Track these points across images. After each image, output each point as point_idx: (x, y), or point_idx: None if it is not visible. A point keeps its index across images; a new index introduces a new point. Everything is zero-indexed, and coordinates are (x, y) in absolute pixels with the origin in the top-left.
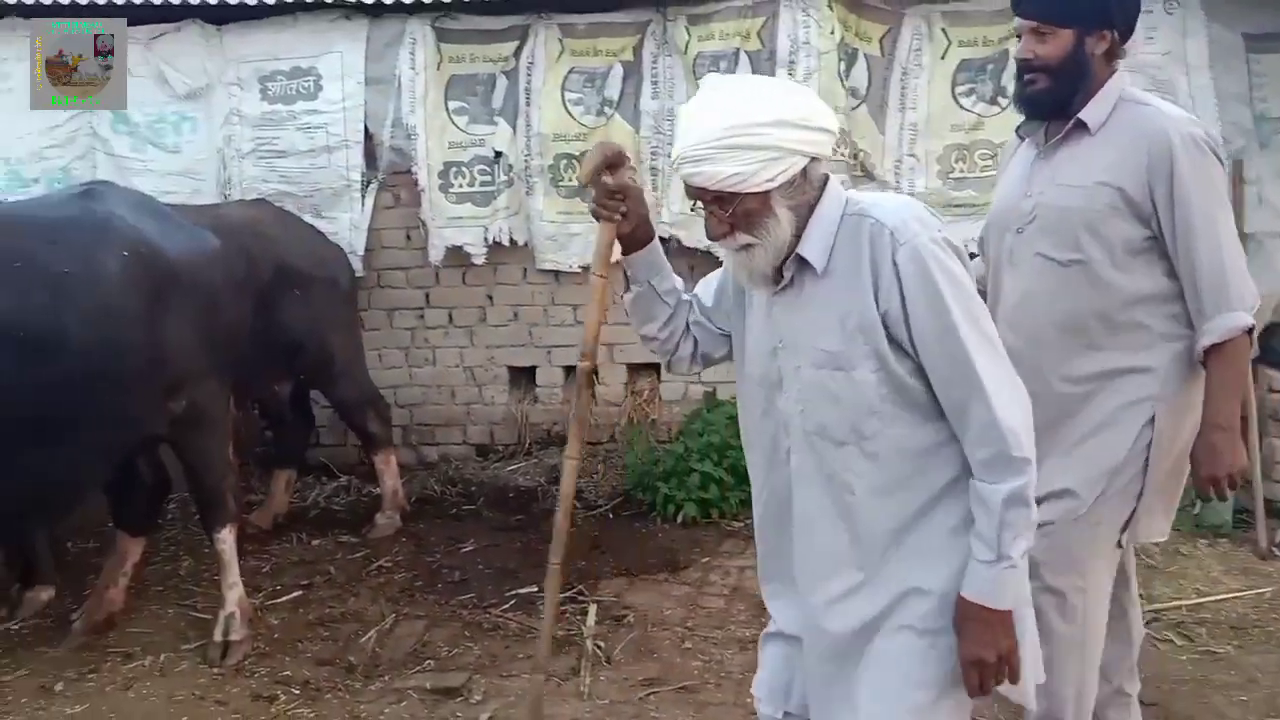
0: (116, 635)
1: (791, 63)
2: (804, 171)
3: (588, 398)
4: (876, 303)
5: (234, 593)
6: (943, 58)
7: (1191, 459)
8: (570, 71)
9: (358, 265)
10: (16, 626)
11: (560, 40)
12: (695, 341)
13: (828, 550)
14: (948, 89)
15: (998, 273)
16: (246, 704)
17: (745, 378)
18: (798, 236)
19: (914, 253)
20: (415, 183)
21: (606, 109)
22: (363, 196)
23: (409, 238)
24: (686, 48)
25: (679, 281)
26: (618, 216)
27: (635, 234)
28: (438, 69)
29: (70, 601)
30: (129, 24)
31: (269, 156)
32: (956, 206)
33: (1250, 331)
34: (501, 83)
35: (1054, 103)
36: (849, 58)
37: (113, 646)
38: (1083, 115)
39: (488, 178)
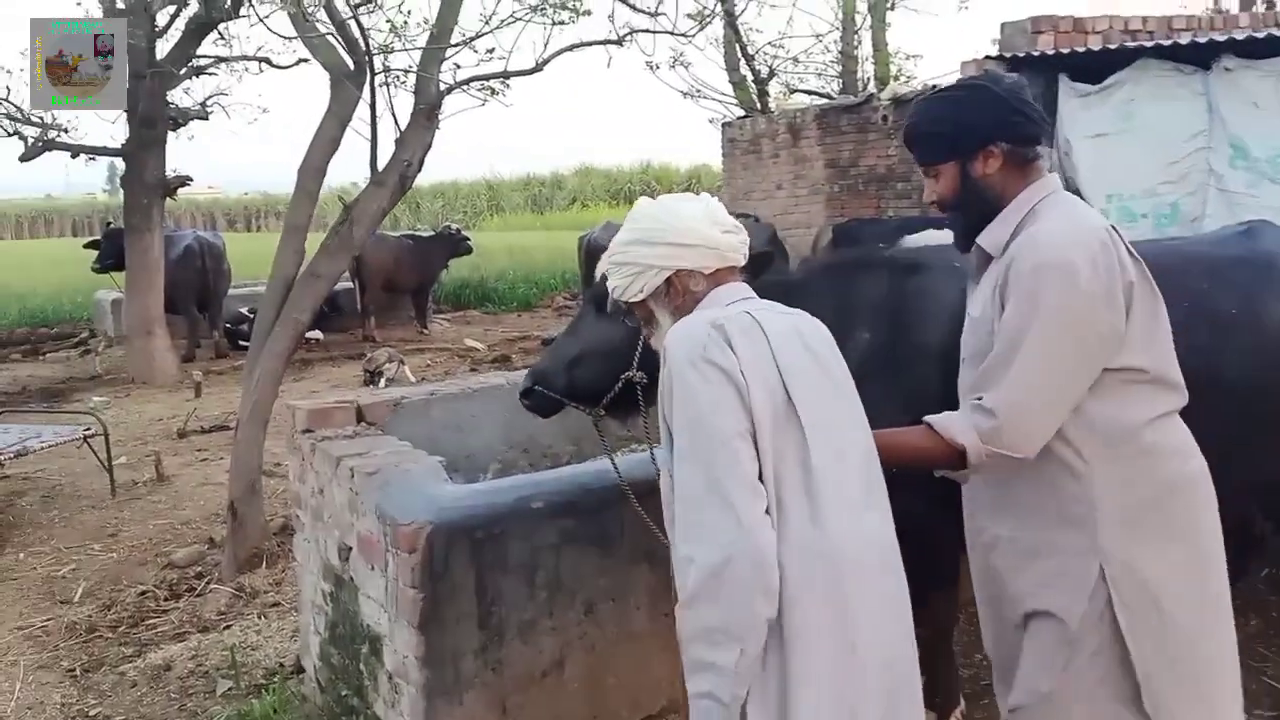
0: None
1: None
2: (670, 282)
3: None
4: (668, 414)
5: None
6: None
7: None
8: None
9: None
10: None
11: None
12: None
13: None
14: None
15: None
16: None
17: None
18: None
19: (668, 370)
20: None
21: None
22: None
23: None
24: None
25: None
26: None
27: None
28: None
29: None
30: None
31: None
32: None
33: (962, 455)
34: None
35: (967, 236)
36: None
37: None
38: (980, 240)
39: None
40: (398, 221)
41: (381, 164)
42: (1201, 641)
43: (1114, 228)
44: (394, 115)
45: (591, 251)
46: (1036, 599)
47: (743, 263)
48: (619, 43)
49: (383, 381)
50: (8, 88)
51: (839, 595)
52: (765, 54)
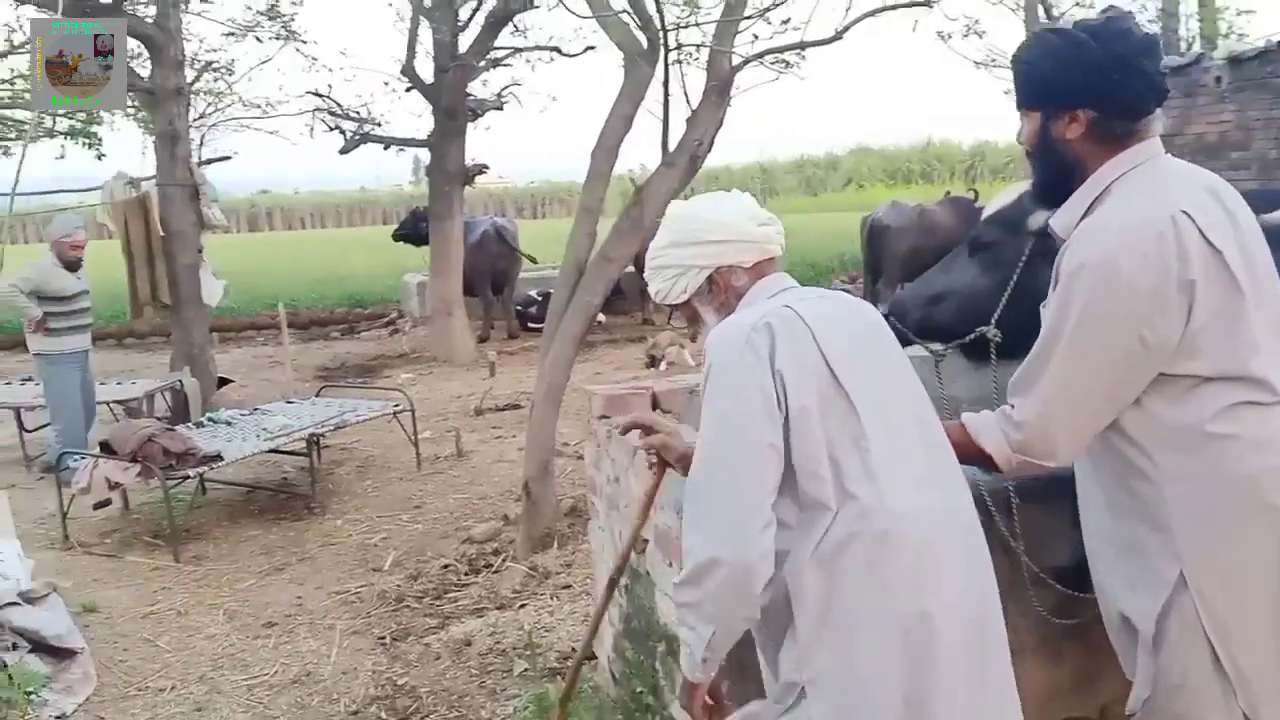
0: None
1: None
2: (712, 279)
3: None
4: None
5: None
6: None
7: None
8: None
9: None
10: None
11: None
12: None
13: None
14: None
15: None
16: None
17: None
18: None
19: (706, 371)
20: None
21: None
22: None
23: None
24: None
25: None
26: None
27: None
28: None
29: None
30: None
31: None
32: None
33: (992, 460)
34: None
35: (1042, 192)
36: None
37: None
38: (1052, 223)
39: None
40: None
41: (672, 145)
42: None
43: (1188, 212)
44: (686, 93)
45: (875, 232)
46: (1125, 601)
47: (780, 253)
48: (927, 4)
49: (663, 365)
50: (329, 85)
51: (909, 569)
52: (1072, 16)
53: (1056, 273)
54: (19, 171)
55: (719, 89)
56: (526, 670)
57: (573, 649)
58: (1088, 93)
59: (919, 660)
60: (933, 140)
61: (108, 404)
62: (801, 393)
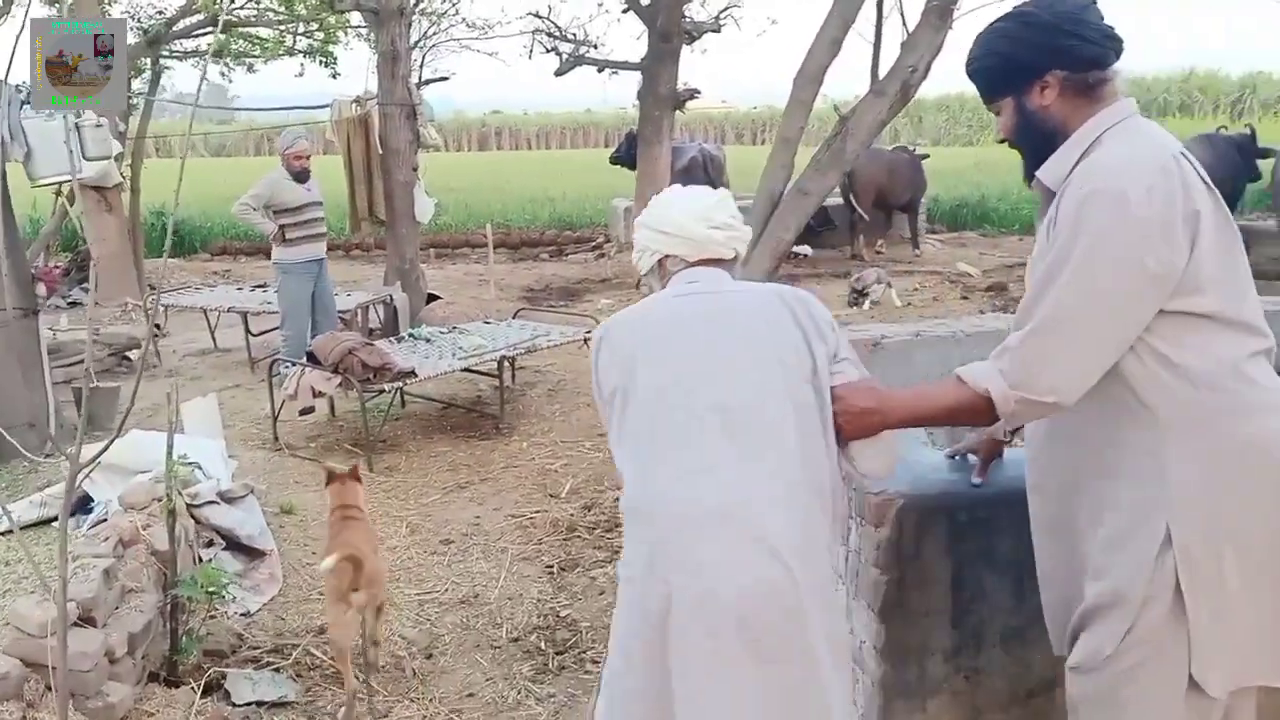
0: None
1: None
2: (661, 263)
3: None
4: None
5: None
6: None
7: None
8: None
9: None
10: None
11: None
12: None
13: None
14: None
15: None
16: None
17: None
18: None
19: None
20: None
21: None
22: None
23: None
24: None
25: None
26: None
27: None
28: None
29: None
30: None
31: None
32: None
33: (991, 404)
34: None
35: (1037, 169)
36: None
37: None
38: (1040, 174)
39: None
40: (898, 135)
41: (883, 71)
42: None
43: (1185, 154)
44: (902, 15)
45: None
46: (1103, 560)
47: (730, 255)
48: None
49: (867, 304)
50: (549, 6)
51: (655, 547)
52: None
53: (1054, 213)
54: (200, 85)
55: (940, 10)
56: None
57: None
58: (1050, 54)
59: (656, 630)
60: (1195, 69)
61: None
62: (606, 386)
